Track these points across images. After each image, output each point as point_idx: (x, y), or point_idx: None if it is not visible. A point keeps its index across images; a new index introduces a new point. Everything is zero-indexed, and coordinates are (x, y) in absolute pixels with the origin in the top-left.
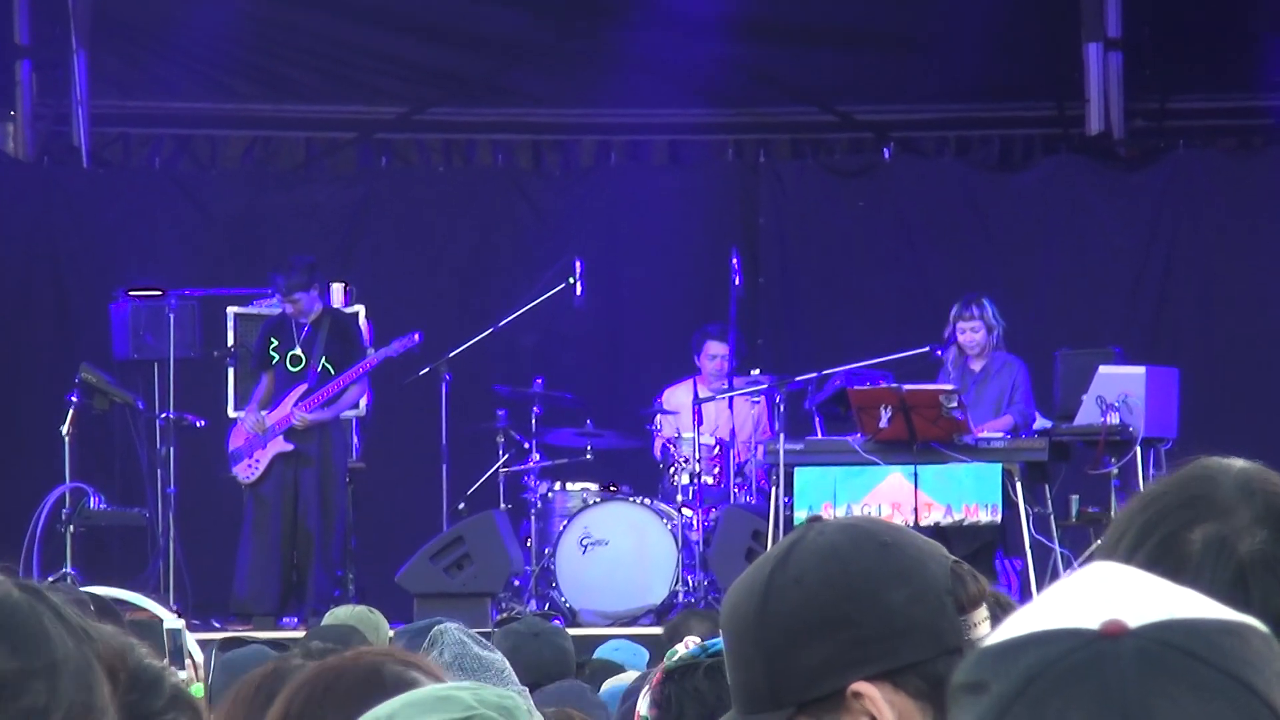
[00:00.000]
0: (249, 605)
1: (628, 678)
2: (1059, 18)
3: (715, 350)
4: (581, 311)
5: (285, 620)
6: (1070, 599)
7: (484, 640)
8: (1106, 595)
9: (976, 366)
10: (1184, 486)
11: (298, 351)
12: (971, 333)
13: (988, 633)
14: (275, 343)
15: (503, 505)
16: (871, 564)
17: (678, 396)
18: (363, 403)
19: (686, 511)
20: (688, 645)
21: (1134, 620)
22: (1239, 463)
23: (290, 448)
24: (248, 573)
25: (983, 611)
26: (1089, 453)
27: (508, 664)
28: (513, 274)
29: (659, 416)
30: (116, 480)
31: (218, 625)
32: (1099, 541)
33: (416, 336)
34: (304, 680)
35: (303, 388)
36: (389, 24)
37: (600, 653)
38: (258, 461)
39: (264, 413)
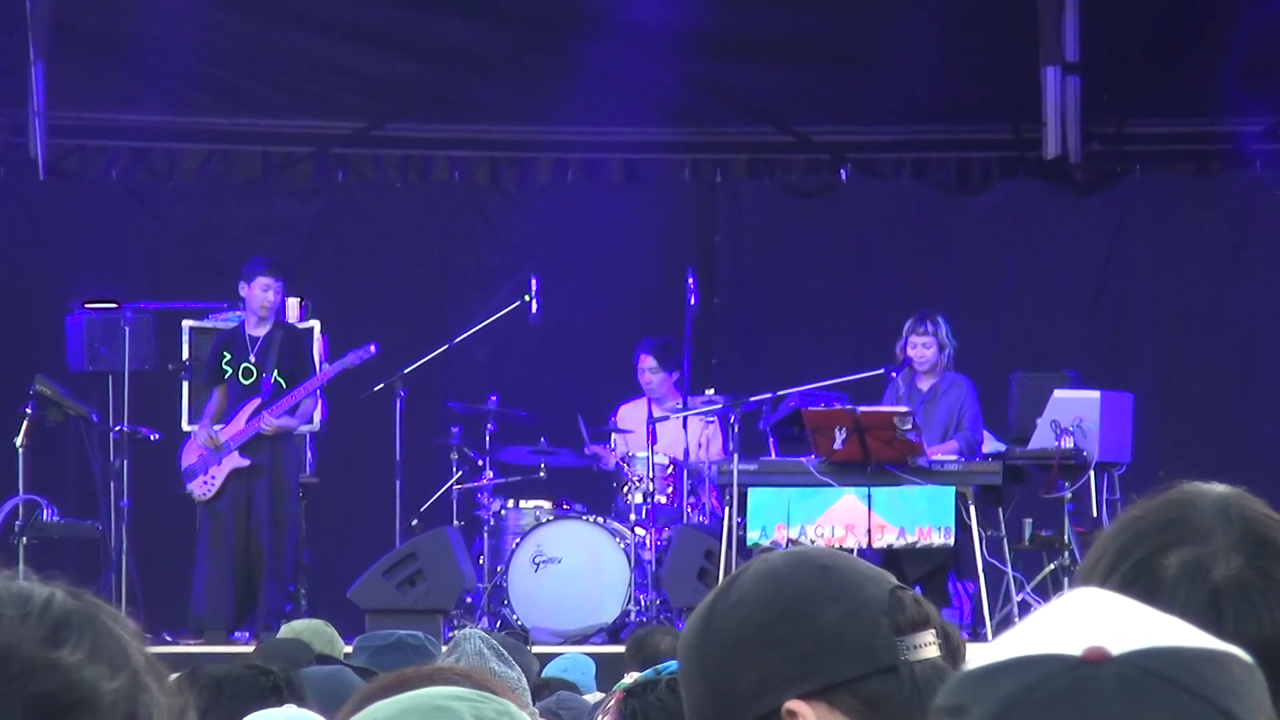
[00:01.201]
0: (205, 621)
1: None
2: (1017, 40)
3: (645, 364)
4: (537, 328)
5: (237, 634)
6: (1053, 624)
7: (505, 654)
8: (1089, 621)
9: (925, 385)
10: (1162, 510)
11: (250, 364)
12: (924, 348)
13: (934, 655)
14: (228, 356)
15: (456, 522)
16: (808, 584)
17: (633, 414)
18: (317, 417)
19: (639, 530)
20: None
21: (1116, 647)
22: (1219, 488)
23: (246, 463)
24: (204, 589)
25: (928, 635)
26: (1043, 476)
27: (524, 680)
28: (469, 290)
29: (614, 435)
30: (70, 492)
31: (169, 639)
32: (1078, 565)
33: (373, 348)
34: (377, 689)
35: (256, 402)
36: (347, 37)
37: (549, 672)
38: (213, 478)
39: (217, 428)
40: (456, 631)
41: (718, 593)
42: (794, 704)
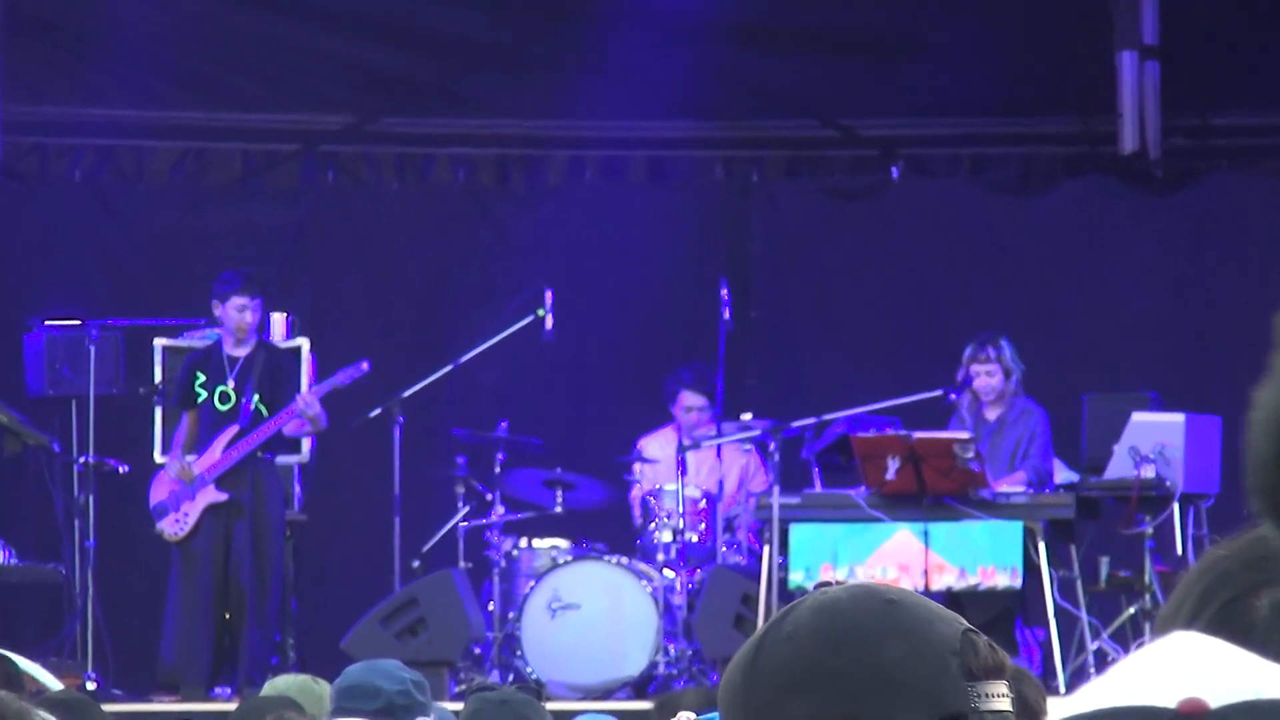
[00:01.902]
0: (176, 674)
1: None
2: (1088, 22)
3: (690, 402)
4: (551, 347)
5: (218, 690)
6: (1143, 673)
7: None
8: (1185, 670)
9: (992, 415)
10: (1249, 547)
11: (228, 388)
12: (987, 377)
13: (1006, 709)
14: (202, 378)
15: (462, 563)
16: (870, 618)
17: (654, 447)
18: (305, 446)
19: (668, 573)
20: None
21: (1215, 698)
22: None
23: (223, 497)
24: (175, 638)
25: (1001, 686)
26: (1120, 510)
27: None
28: (474, 305)
29: (638, 466)
30: (29, 532)
31: (141, 698)
32: (1160, 610)
33: (365, 365)
34: None
35: (234, 430)
36: (336, 25)
37: None
38: (186, 515)
39: (190, 458)
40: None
41: (770, 625)
42: None
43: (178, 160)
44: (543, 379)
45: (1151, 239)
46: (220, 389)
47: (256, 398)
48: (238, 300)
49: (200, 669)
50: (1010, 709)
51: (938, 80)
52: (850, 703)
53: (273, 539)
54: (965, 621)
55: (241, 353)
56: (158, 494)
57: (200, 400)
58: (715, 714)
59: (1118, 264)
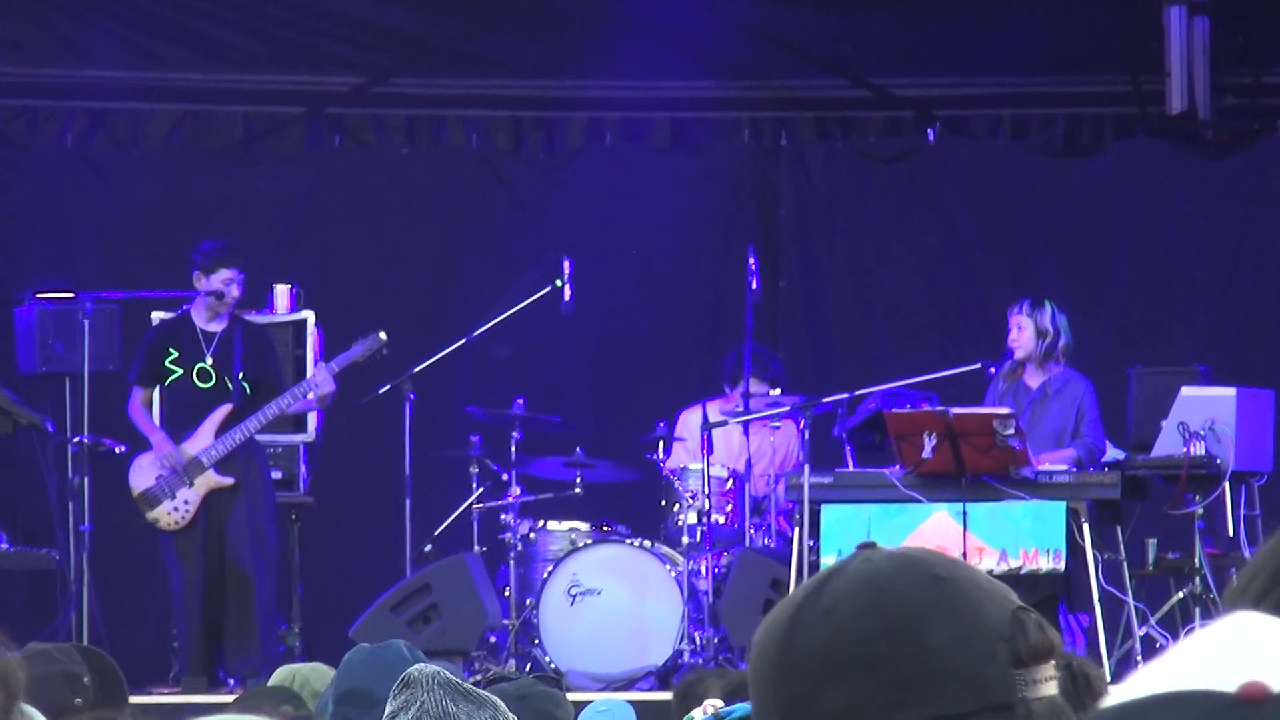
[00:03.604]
0: (176, 663)
1: None
2: None
3: (756, 389)
4: (570, 319)
5: (228, 680)
6: (1205, 655)
7: (474, 694)
8: (1246, 652)
9: (1034, 383)
10: None
11: (207, 365)
12: (1017, 331)
13: (1053, 694)
14: (174, 354)
15: (476, 547)
16: (916, 597)
17: (694, 422)
18: (311, 423)
19: (693, 557)
20: (705, 710)
21: (1278, 683)
22: None
23: (228, 481)
24: (185, 628)
25: (1049, 669)
26: (1169, 489)
27: None
28: (489, 275)
29: (673, 444)
30: (20, 516)
31: (137, 689)
32: (1228, 588)
33: (382, 335)
34: None
35: (227, 409)
36: None
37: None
38: (187, 504)
39: (182, 444)
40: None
41: (806, 594)
42: None
43: (175, 124)
44: (561, 353)
45: (1202, 204)
46: (199, 366)
47: (240, 376)
48: (224, 274)
49: (200, 659)
50: (1056, 692)
51: (976, 36)
52: (892, 692)
53: (267, 515)
54: (1016, 598)
55: (216, 328)
56: (142, 480)
57: (172, 378)
58: (742, 705)
59: (1166, 230)
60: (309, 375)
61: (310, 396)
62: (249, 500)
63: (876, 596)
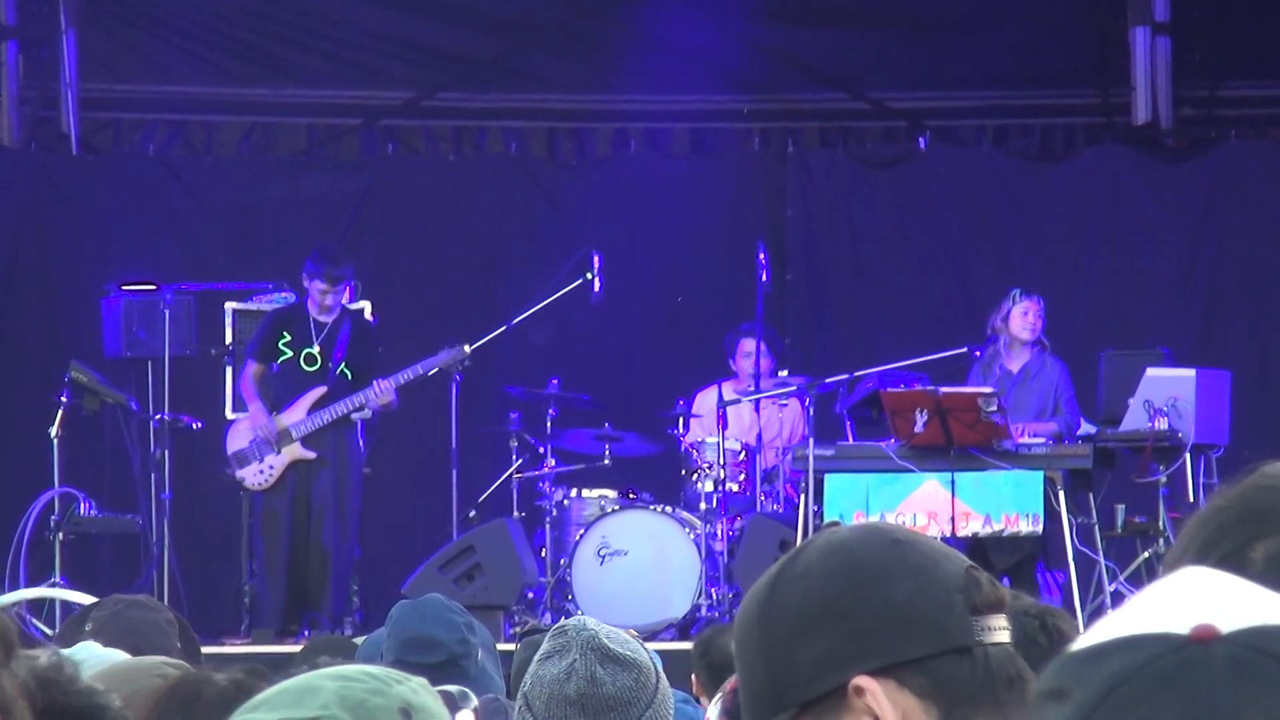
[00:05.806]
0: (253, 620)
1: None
2: (1103, 1)
3: (748, 348)
4: (599, 308)
5: (300, 636)
6: (1159, 603)
7: (620, 654)
8: (1197, 599)
9: (1015, 366)
10: (1245, 499)
11: (315, 350)
12: (1036, 316)
13: (1007, 641)
14: (287, 336)
15: (516, 513)
16: (879, 557)
17: (710, 401)
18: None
19: (710, 521)
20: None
21: (1226, 625)
22: None
23: (312, 455)
24: (254, 585)
25: (1002, 619)
26: (1135, 460)
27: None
28: (526, 268)
29: (690, 420)
30: (107, 485)
31: (212, 640)
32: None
33: (466, 348)
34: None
35: (320, 390)
36: (395, 3)
37: None
38: (271, 469)
39: (277, 415)
40: (566, 621)
41: (783, 564)
42: (863, 680)
43: (245, 134)
44: (591, 338)
45: (1164, 204)
46: (307, 350)
47: (343, 364)
48: (319, 284)
49: (274, 617)
50: (1009, 640)
51: (962, 55)
52: (862, 640)
53: (352, 494)
54: (967, 559)
55: (326, 319)
56: (237, 441)
57: (283, 358)
58: None
59: (1132, 227)
60: (372, 385)
61: (367, 411)
62: (335, 474)
63: (844, 559)
